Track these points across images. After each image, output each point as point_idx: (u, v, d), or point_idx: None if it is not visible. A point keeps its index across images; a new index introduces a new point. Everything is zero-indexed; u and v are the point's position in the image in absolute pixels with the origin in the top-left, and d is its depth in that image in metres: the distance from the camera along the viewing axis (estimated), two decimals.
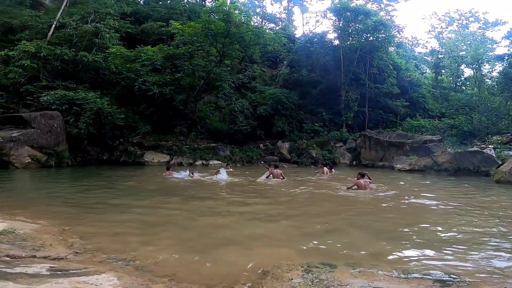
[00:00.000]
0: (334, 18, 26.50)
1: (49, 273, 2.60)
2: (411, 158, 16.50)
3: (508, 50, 30.28)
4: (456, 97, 29.02)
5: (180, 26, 19.44)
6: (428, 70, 37.44)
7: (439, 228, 4.98)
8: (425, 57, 39.47)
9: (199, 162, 18.39)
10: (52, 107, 15.68)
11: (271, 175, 11.35)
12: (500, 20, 37.93)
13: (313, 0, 60.72)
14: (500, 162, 13.15)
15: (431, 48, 40.38)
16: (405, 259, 3.57)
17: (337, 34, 26.46)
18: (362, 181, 8.80)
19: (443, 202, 7.29)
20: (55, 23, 20.43)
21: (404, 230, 4.95)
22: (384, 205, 7.16)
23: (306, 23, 50.85)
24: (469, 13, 39.92)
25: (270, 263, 3.30)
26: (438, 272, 3.12)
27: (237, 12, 18.76)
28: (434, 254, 3.76)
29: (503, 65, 27.02)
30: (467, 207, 6.83)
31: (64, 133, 15.83)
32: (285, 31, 32.71)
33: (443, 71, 34.35)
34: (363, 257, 3.60)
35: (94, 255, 3.43)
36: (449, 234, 4.66)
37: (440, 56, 34.80)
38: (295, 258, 3.50)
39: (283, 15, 42.22)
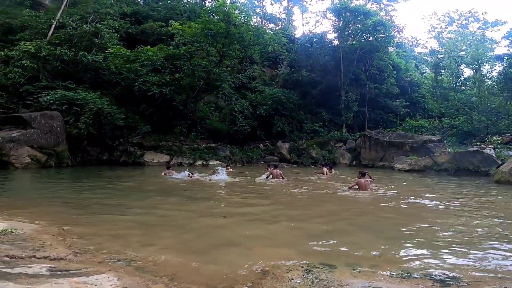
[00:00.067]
0: (333, 18, 26.52)
1: (49, 273, 2.60)
2: (411, 158, 16.51)
3: (508, 50, 30.26)
4: (456, 97, 29.04)
5: (180, 26, 19.45)
6: (428, 70, 37.46)
7: (439, 228, 4.98)
8: (425, 57, 39.48)
9: (199, 162, 18.39)
10: (52, 107, 15.68)
11: (270, 175, 11.35)
12: (500, 20, 38.00)
13: (313, 0, 60.76)
14: (500, 162, 13.15)
15: (430, 48, 40.44)
16: (405, 259, 3.57)
17: (337, 34, 26.47)
18: (362, 180, 8.81)
19: (443, 202, 7.29)
20: (55, 23, 20.43)
21: (404, 230, 4.95)
22: (384, 205, 7.16)
23: (306, 23, 50.84)
24: (469, 13, 39.97)
25: (270, 263, 3.30)
26: (438, 272, 3.12)
27: (237, 12, 18.77)
28: (434, 254, 3.76)
29: (502, 65, 27.01)
30: (467, 207, 6.83)
31: (64, 133, 15.82)
32: (285, 31, 32.70)
33: (443, 71, 34.38)
34: (363, 257, 3.60)
35: (94, 255, 3.43)
36: (449, 234, 4.66)
37: (439, 56, 34.82)
38: (295, 258, 3.50)
39: (283, 15, 42.25)
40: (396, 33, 28.21)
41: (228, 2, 25.99)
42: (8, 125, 14.91)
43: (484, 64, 31.23)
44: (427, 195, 8.48)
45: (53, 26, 20.29)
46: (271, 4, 49.70)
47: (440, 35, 41.84)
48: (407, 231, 4.89)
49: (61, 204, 6.74)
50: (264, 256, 3.59)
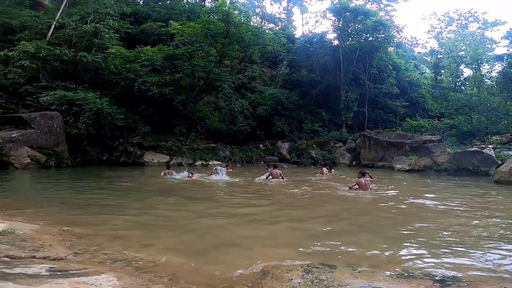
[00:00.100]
0: (333, 18, 26.50)
1: (48, 274, 2.60)
2: (410, 158, 16.52)
3: (508, 50, 30.27)
4: (456, 97, 29.05)
5: (179, 26, 19.44)
6: (427, 70, 37.47)
7: (439, 228, 4.98)
8: (425, 57, 39.49)
9: (198, 163, 18.38)
10: (52, 108, 15.67)
11: (270, 175, 11.35)
12: (499, 20, 38.01)
13: (313, 0, 60.77)
14: (500, 162, 13.16)
15: (430, 48, 40.41)
16: (405, 259, 3.58)
17: (336, 34, 26.46)
18: (363, 180, 8.82)
19: (442, 202, 7.30)
20: (54, 23, 20.41)
21: (404, 230, 4.95)
22: (384, 205, 7.16)
23: (305, 23, 50.74)
24: (468, 13, 39.97)
25: (270, 263, 3.30)
26: (438, 272, 3.12)
27: (236, 12, 18.76)
28: (434, 254, 3.76)
29: (502, 65, 27.00)
30: (467, 207, 6.83)
31: (63, 134, 15.81)
32: (284, 31, 32.72)
33: (443, 71, 34.38)
34: (363, 257, 3.60)
35: (93, 256, 3.42)
36: (448, 234, 4.66)
37: (439, 56, 34.83)
38: (295, 258, 3.50)
39: (283, 15, 42.29)
40: (396, 33, 28.21)
41: (228, 2, 25.99)
42: (7, 125, 14.90)
43: (484, 64, 31.22)
44: (427, 195, 8.48)
45: (53, 26, 20.28)
46: (271, 4, 49.82)
47: (440, 35, 41.87)
48: (407, 231, 4.89)
49: (60, 204, 6.74)
50: (264, 256, 3.59)
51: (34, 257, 3.13)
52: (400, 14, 68.20)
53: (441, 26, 42.27)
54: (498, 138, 18.47)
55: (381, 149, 19.33)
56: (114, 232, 4.54)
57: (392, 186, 10.22)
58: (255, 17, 35.18)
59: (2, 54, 16.94)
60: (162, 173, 12.44)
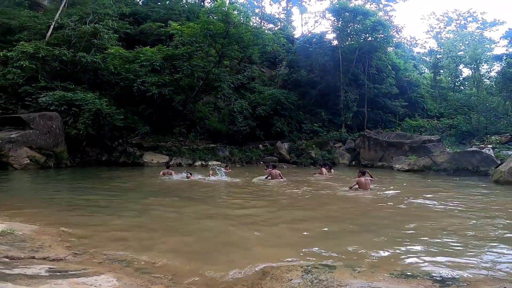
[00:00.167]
0: (332, 18, 26.54)
1: (48, 274, 2.59)
2: (410, 158, 16.53)
3: (507, 50, 30.29)
4: (455, 97, 29.09)
5: (179, 26, 19.44)
6: (426, 70, 37.52)
7: (438, 228, 4.98)
8: (424, 57, 39.54)
9: (198, 163, 18.38)
10: (51, 108, 15.66)
11: (270, 176, 11.36)
12: (498, 20, 38.07)
13: (312, 0, 60.75)
14: (499, 162, 13.17)
15: (429, 48, 40.45)
16: (405, 259, 3.58)
17: (336, 34, 26.49)
18: (363, 179, 8.84)
19: (442, 202, 7.30)
20: (53, 23, 20.39)
21: (404, 230, 4.95)
22: (383, 205, 7.17)
23: (305, 23, 51.01)
24: (467, 13, 40.04)
25: (269, 263, 3.30)
26: (438, 272, 3.12)
27: (236, 12, 18.77)
28: (434, 254, 3.77)
29: (501, 65, 27.06)
30: (466, 207, 6.84)
31: (63, 134, 15.80)
32: (284, 31, 32.75)
33: (442, 71, 34.44)
34: (362, 257, 3.60)
35: (93, 256, 3.42)
36: (448, 234, 4.66)
37: (438, 56, 34.87)
38: (295, 259, 3.50)
39: (282, 16, 42.32)
40: (395, 33, 28.26)
41: (227, 2, 26.02)
42: (7, 126, 14.88)
43: (483, 64, 31.30)
44: (426, 195, 8.48)
45: (52, 26, 20.26)
46: (270, 4, 49.91)
47: (439, 35, 41.93)
48: (406, 231, 4.90)
49: (60, 205, 6.73)
50: (264, 257, 3.59)
51: (33, 257, 3.13)
52: (399, 14, 68.33)
53: (440, 26, 42.37)
54: (497, 138, 18.49)
55: (380, 149, 19.34)
56: (114, 232, 4.53)
57: (392, 186, 10.23)
58: (254, 17, 35.23)
59: (1, 55, 16.92)
60: (161, 173, 12.44)
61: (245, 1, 39.56)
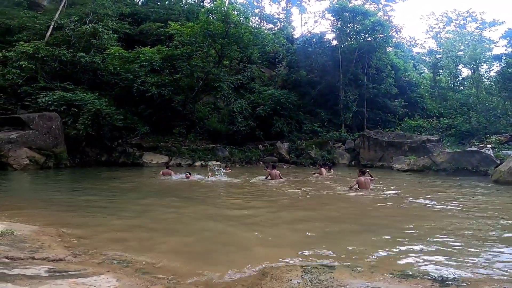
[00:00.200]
0: (332, 18, 26.56)
1: (47, 275, 2.59)
2: (409, 158, 16.53)
3: (506, 50, 30.32)
4: (454, 97, 29.11)
5: (178, 27, 19.45)
6: (426, 70, 37.55)
7: (438, 228, 4.99)
8: (423, 57, 39.58)
9: (198, 163, 18.37)
10: (50, 108, 15.65)
11: (269, 176, 11.37)
12: (497, 20, 38.10)
13: (312, 0, 60.75)
14: (499, 162, 13.17)
15: (429, 48, 40.49)
16: (404, 259, 3.58)
17: (335, 34, 26.50)
18: (362, 178, 8.85)
19: (442, 202, 7.30)
20: (53, 24, 20.39)
21: (403, 230, 4.95)
22: (383, 205, 7.17)
23: (304, 23, 51.05)
24: (467, 13, 40.09)
25: (269, 264, 3.30)
26: (437, 272, 3.12)
27: (235, 12, 18.78)
28: (433, 254, 3.77)
29: (500, 65, 27.09)
30: (466, 207, 6.84)
31: (62, 134, 15.79)
32: (283, 31, 32.77)
33: (441, 71, 34.46)
34: (362, 257, 3.60)
35: (93, 257, 3.42)
36: (447, 234, 4.67)
37: (438, 56, 34.89)
38: (295, 259, 3.50)
39: (282, 16, 42.34)
40: (394, 33, 28.27)
41: (227, 2, 26.03)
42: (6, 126, 14.88)
43: (482, 64, 31.32)
44: (426, 195, 8.48)
45: (51, 27, 20.26)
46: (270, 4, 49.93)
47: (438, 35, 41.99)
48: (406, 231, 4.90)
49: (59, 205, 6.72)
50: (263, 257, 3.59)
51: (33, 258, 3.13)
52: (399, 14, 68.42)
53: (439, 26, 42.45)
54: (496, 138, 18.50)
55: (380, 149, 19.35)
56: (113, 233, 4.53)
57: (391, 186, 10.23)
58: (254, 17, 35.23)
59: (1, 55, 16.93)
60: (161, 173, 12.43)
61: (245, 1, 39.60)
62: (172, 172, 12.40)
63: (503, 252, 3.84)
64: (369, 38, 25.29)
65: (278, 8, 45.87)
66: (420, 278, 2.91)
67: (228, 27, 18.27)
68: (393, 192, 9.04)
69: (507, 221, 5.49)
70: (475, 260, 3.56)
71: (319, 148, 21.21)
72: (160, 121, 20.33)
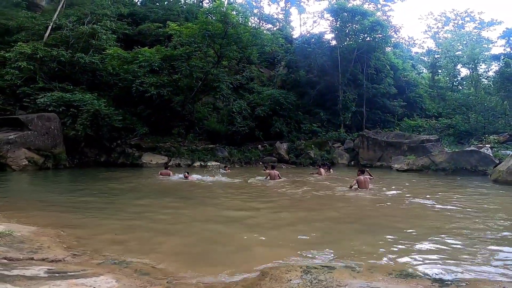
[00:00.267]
0: (331, 18, 26.59)
1: (47, 275, 2.59)
2: (409, 158, 16.56)
3: (504, 49, 30.42)
4: (453, 96, 29.15)
5: (177, 27, 19.43)
6: (424, 70, 37.62)
7: (438, 228, 4.99)
8: (422, 57, 39.67)
9: (197, 164, 18.36)
10: (49, 109, 15.62)
11: (268, 176, 11.37)
12: (496, 20, 38.22)
13: (310, 0, 60.87)
14: (497, 162, 13.20)
15: (427, 48, 40.62)
16: (404, 259, 3.58)
17: (334, 34, 26.54)
18: (362, 177, 8.86)
19: (441, 202, 7.31)
20: (51, 24, 20.36)
21: (403, 230, 4.96)
22: (382, 205, 7.17)
23: (303, 23, 51.20)
24: (465, 13, 40.19)
25: (268, 264, 3.30)
26: (437, 272, 3.13)
27: (234, 13, 18.78)
28: (433, 253, 3.77)
29: (499, 64, 27.16)
30: (465, 207, 6.85)
31: (61, 135, 15.76)
32: (282, 31, 32.80)
33: (440, 71, 34.50)
34: (361, 257, 3.61)
35: (92, 257, 3.41)
36: (447, 234, 4.67)
37: (436, 56, 34.94)
38: (294, 259, 3.50)
39: (281, 16, 42.42)
40: (393, 33, 28.32)
41: (226, 3, 26.03)
42: (5, 127, 14.84)
43: (481, 63, 31.34)
44: (425, 195, 8.49)
45: (50, 27, 20.23)
46: (269, 4, 49.96)
47: (437, 35, 42.08)
48: (405, 231, 4.90)
49: (58, 206, 6.71)
50: (263, 257, 3.59)
51: (32, 259, 3.12)
52: (397, 14, 68.58)
53: (438, 26, 42.53)
54: (495, 138, 18.53)
55: (379, 149, 19.37)
56: (112, 234, 4.53)
57: (391, 186, 10.24)
58: (253, 17, 35.27)
59: None
60: (160, 173, 12.41)
61: (244, 1, 39.62)
62: (171, 173, 12.38)
63: (502, 252, 3.85)
64: (368, 38, 25.32)
65: (277, 8, 45.98)
66: (420, 278, 2.91)
67: (227, 27, 18.27)
68: (393, 192, 9.05)
69: (506, 221, 5.50)
70: (475, 260, 3.56)
71: (318, 148, 21.23)
72: (159, 122, 20.31)
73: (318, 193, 8.91)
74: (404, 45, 39.33)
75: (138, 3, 32.93)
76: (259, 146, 22.25)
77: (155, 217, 5.73)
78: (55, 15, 21.06)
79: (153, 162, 17.84)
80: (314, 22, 48.31)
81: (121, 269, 3.07)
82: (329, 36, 27.50)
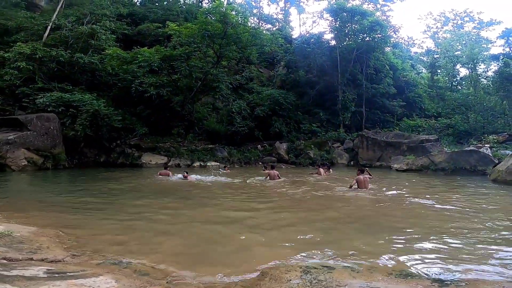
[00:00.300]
0: (330, 18, 26.62)
1: (46, 276, 2.58)
2: (408, 158, 16.57)
3: (503, 49, 30.50)
4: (452, 96, 29.21)
5: (176, 27, 19.42)
6: (424, 70, 37.67)
7: (437, 228, 5.00)
8: (421, 57, 39.72)
9: (197, 164, 18.36)
10: (48, 109, 15.60)
11: (268, 176, 11.38)
12: (495, 20, 38.24)
13: (310, 0, 60.90)
14: (497, 161, 13.22)
15: (426, 48, 40.67)
16: (403, 259, 3.58)
17: (333, 34, 26.57)
18: (361, 177, 8.87)
19: (440, 202, 7.32)
20: (50, 24, 20.34)
21: (402, 230, 4.96)
22: (381, 205, 7.18)
23: (303, 23, 51.25)
24: (464, 13, 40.23)
25: (268, 264, 3.29)
26: (436, 271, 3.13)
27: (234, 13, 18.78)
28: (432, 253, 3.78)
29: (498, 64, 27.22)
30: (465, 206, 6.86)
31: (60, 135, 15.74)
32: (282, 32, 32.81)
33: (439, 71, 34.56)
34: (361, 257, 3.61)
35: (91, 258, 3.41)
36: (446, 234, 4.67)
37: (435, 56, 35.01)
38: (294, 259, 3.50)
39: (280, 16, 42.44)
40: (392, 33, 28.36)
41: (225, 3, 26.02)
42: (4, 128, 14.82)
43: (480, 63, 31.41)
44: (424, 195, 8.50)
45: (49, 27, 20.21)
46: (268, 5, 49.99)
47: (436, 35, 42.12)
48: (405, 231, 4.90)
49: (58, 206, 6.70)
50: (263, 258, 3.59)
51: (31, 259, 3.12)
52: (397, 14, 68.62)
53: (437, 26, 42.57)
54: (494, 137, 18.56)
55: (378, 149, 19.39)
56: (112, 234, 4.52)
57: (390, 186, 10.24)
58: (252, 17, 35.27)
59: None
60: (159, 173, 12.40)
61: (243, 1, 39.62)
62: (170, 173, 12.36)
63: (502, 252, 3.85)
64: (367, 38, 25.35)
65: (276, 8, 46.05)
66: (419, 278, 2.91)
67: (226, 27, 18.26)
68: (392, 192, 9.05)
69: (505, 221, 5.50)
70: (474, 260, 3.56)
71: (318, 148, 21.24)
72: (158, 122, 20.30)
73: (317, 193, 8.91)
74: (403, 45, 39.40)
75: (137, 3, 32.92)
76: (259, 146, 22.25)
77: (154, 217, 5.73)
78: (54, 15, 21.04)
79: (152, 162, 17.82)
80: (314, 22, 48.39)
81: (121, 269, 3.07)
82: (328, 36, 27.57)
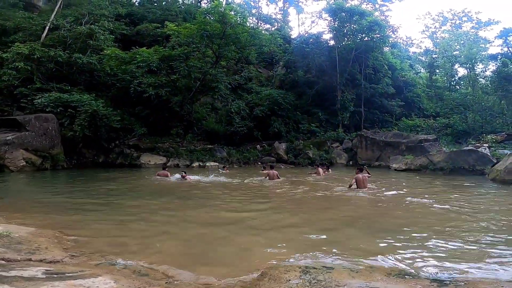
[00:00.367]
0: (329, 18, 26.64)
1: (45, 276, 2.58)
2: (407, 157, 16.59)
3: (501, 49, 30.61)
4: (451, 96, 29.26)
5: (175, 27, 19.39)
6: (422, 70, 37.75)
7: (436, 228, 5.00)
8: (420, 57, 39.79)
9: (196, 164, 18.33)
10: (47, 110, 15.56)
11: (267, 176, 11.38)
12: (493, 20, 38.40)
13: (309, 0, 60.89)
14: (495, 161, 13.25)
15: (425, 48, 40.78)
16: (403, 259, 3.59)
17: (332, 34, 26.58)
18: (360, 176, 8.89)
19: (439, 201, 7.33)
20: (48, 25, 20.29)
21: (402, 230, 4.97)
22: (381, 205, 7.19)
23: (301, 23, 51.28)
24: (462, 13, 40.34)
25: (267, 264, 3.29)
26: (436, 271, 3.13)
27: (232, 13, 18.75)
28: (431, 253, 3.78)
29: (496, 64, 27.31)
30: (463, 206, 6.87)
31: (59, 136, 15.70)
32: (280, 32, 32.83)
33: (437, 70, 34.65)
34: (360, 257, 3.61)
35: (90, 258, 3.40)
36: (446, 233, 4.69)
37: (434, 55, 35.08)
38: (293, 259, 3.50)
39: (279, 16, 42.48)
40: (391, 33, 28.39)
41: (224, 3, 26.03)
42: (2, 128, 14.78)
43: (478, 63, 31.53)
44: (423, 194, 8.52)
45: (47, 27, 20.16)
46: (267, 5, 50.01)
47: (434, 35, 42.25)
48: (404, 231, 4.91)
49: (56, 207, 6.69)
50: (262, 258, 3.59)
51: (30, 260, 3.11)
52: (395, 14, 68.69)
53: (435, 26, 42.70)
54: (493, 137, 18.59)
55: (377, 148, 19.41)
56: (111, 234, 4.52)
57: (389, 186, 10.26)
58: (251, 17, 35.26)
59: None
60: (157, 174, 12.36)
61: (242, 1, 39.63)
62: (169, 173, 12.31)
63: (501, 252, 3.86)
64: (366, 38, 25.36)
65: (275, 8, 46.18)
66: (418, 277, 2.91)
67: (225, 27, 18.25)
68: (391, 192, 9.06)
69: (504, 221, 5.51)
70: (473, 260, 3.57)
71: (317, 148, 21.24)
72: (157, 122, 20.27)
73: (316, 193, 8.92)
74: (402, 45, 39.49)
75: (136, 3, 32.87)
76: (258, 146, 22.24)
77: (153, 218, 5.72)
78: (52, 16, 20.99)
79: (151, 163, 17.79)
80: (312, 22, 48.52)
81: (120, 269, 3.07)
82: (327, 36, 27.57)
